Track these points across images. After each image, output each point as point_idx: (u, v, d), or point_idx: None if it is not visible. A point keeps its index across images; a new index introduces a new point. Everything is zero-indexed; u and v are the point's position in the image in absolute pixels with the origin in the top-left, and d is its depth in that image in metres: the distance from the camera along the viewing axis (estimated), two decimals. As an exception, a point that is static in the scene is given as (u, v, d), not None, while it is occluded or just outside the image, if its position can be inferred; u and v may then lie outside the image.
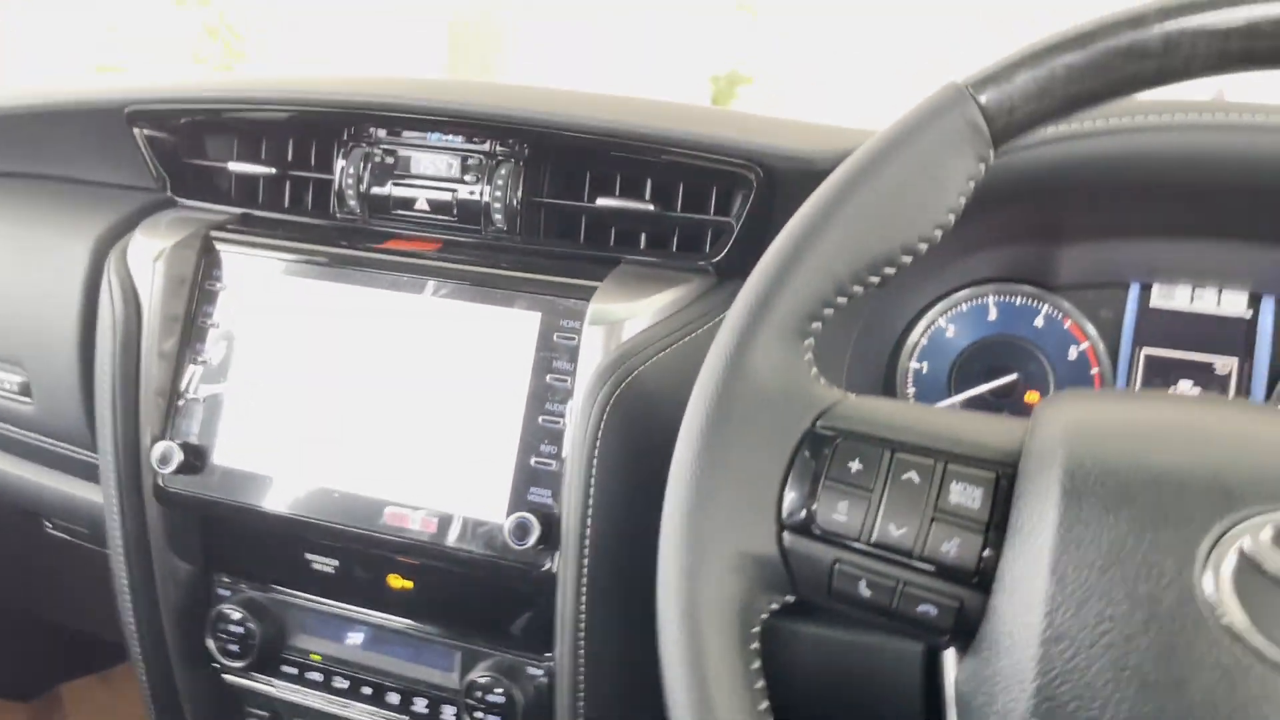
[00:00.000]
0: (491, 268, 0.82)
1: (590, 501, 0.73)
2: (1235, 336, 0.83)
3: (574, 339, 0.77)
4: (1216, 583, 0.42)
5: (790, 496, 0.51)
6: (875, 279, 0.54)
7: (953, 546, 0.49)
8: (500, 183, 0.84)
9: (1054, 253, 0.85)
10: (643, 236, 0.85)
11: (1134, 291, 0.86)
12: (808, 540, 0.51)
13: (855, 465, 0.51)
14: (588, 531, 0.74)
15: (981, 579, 0.48)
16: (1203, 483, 0.44)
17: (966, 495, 0.49)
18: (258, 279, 0.87)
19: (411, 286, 0.83)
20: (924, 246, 0.54)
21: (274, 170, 0.91)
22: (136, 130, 0.92)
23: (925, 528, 0.49)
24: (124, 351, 0.86)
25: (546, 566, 0.77)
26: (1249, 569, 0.42)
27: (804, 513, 0.51)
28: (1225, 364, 0.83)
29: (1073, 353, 0.87)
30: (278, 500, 0.84)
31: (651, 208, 0.81)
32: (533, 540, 0.75)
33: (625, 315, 0.76)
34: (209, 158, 0.95)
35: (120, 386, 0.86)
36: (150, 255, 0.86)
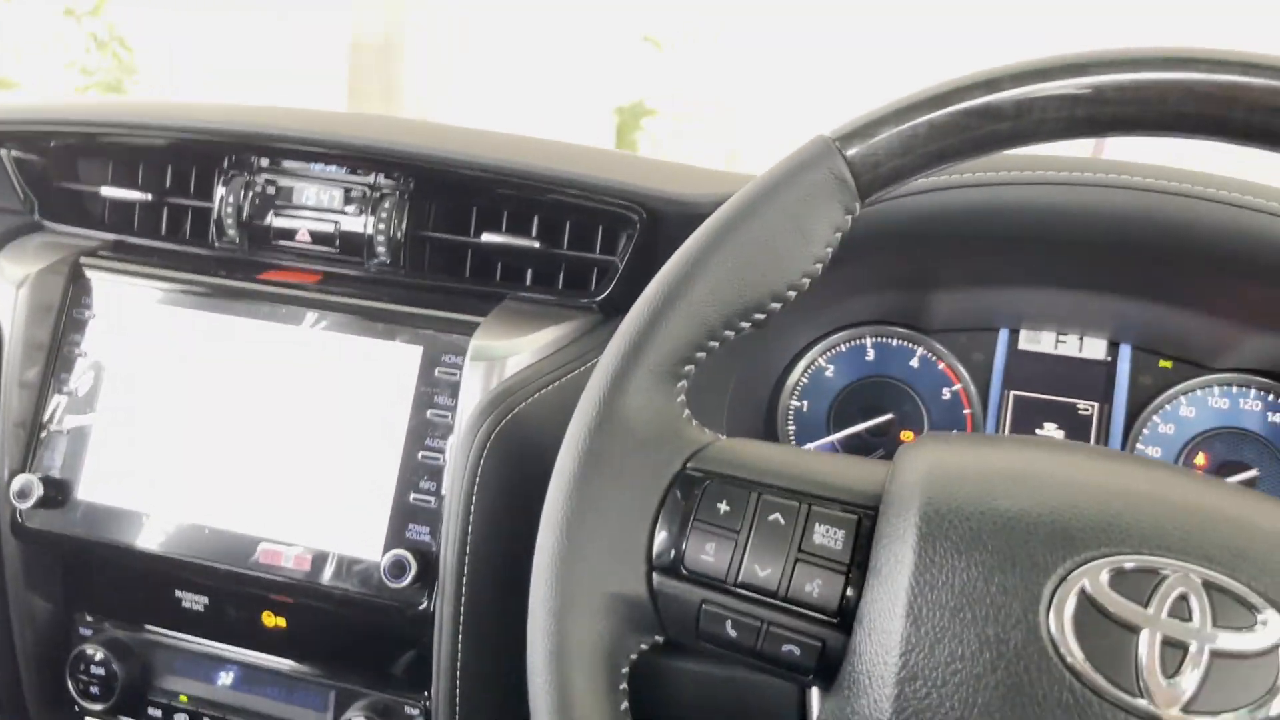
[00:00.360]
0: (373, 301, 0.81)
1: (468, 540, 0.73)
2: (1096, 380, 0.87)
3: (455, 374, 0.77)
4: (1059, 623, 0.44)
5: (660, 537, 0.52)
6: (746, 325, 0.55)
7: (815, 587, 0.50)
8: (384, 215, 0.83)
9: (928, 298, 0.88)
10: (529, 273, 0.85)
11: (1003, 336, 0.89)
12: (676, 581, 0.52)
13: (723, 507, 0.52)
14: (465, 570, 0.73)
15: (843, 619, 0.49)
16: (1047, 528, 0.46)
17: (829, 537, 0.51)
18: (130, 307, 0.84)
19: (290, 318, 0.81)
20: (793, 294, 0.55)
21: (150, 196, 0.89)
22: (3, 151, 0.89)
23: (789, 569, 0.50)
24: (-19, 381, 0.82)
25: (423, 605, 0.76)
26: (1089, 609, 0.44)
27: (673, 553, 0.52)
28: (1087, 406, 0.87)
29: (946, 394, 0.90)
30: (145, 537, 0.81)
31: (537, 245, 0.82)
32: (409, 578, 0.74)
33: (507, 352, 0.76)
34: (81, 181, 0.92)
35: (-24, 418, 0.82)
36: (13, 281, 0.83)
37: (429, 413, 0.77)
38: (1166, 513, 0.46)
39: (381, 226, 0.83)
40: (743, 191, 0.55)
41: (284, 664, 0.84)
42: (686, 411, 0.55)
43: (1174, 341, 0.85)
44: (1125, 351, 0.87)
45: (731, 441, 0.55)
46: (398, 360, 0.79)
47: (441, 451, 0.76)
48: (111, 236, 0.89)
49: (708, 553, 0.51)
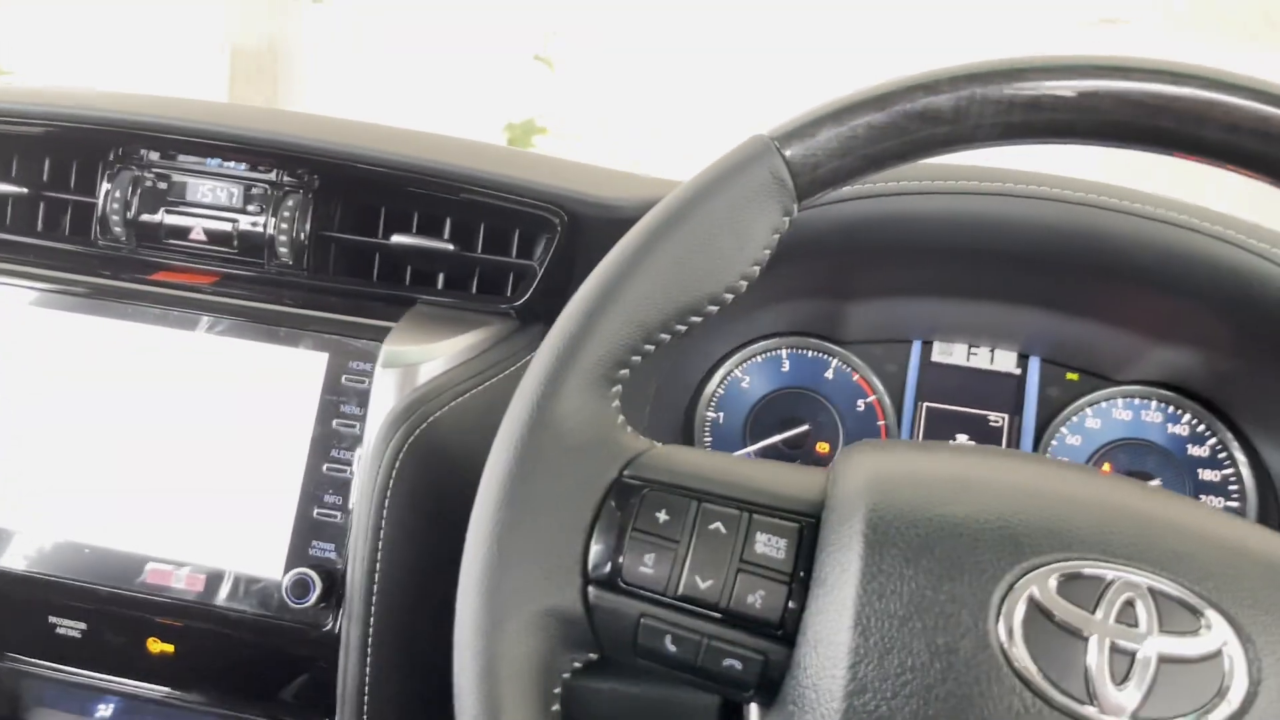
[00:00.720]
0: (275, 304, 0.76)
1: (379, 556, 0.69)
2: (1006, 392, 0.88)
3: (364, 382, 0.73)
4: (1009, 631, 0.43)
5: (596, 549, 0.49)
6: (682, 327, 0.54)
7: (758, 598, 0.48)
8: (287, 215, 0.79)
9: (843, 309, 0.88)
10: (440, 277, 0.82)
11: (916, 347, 0.90)
12: (613, 595, 0.49)
13: (662, 515, 0.50)
14: (375, 589, 0.69)
15: (785, 632, 0.48)
16: (995, 533, 0.45)
17: (771, 546, 0.49)
18: (3, 309, 0.77)
19: (183, 322, 0.76)
20: (729, 297, 0.54)
21: (26, 190, 0.82)
22: None
23: (731, 580, 0.49)
24: None
25: (328, 626, 0.71)
26: (1038, 616, 0.43)
27: (609, 566, 0.49)
28: (998, 418, 0.88)
29: (860, 405, 0.90)
30: (15, 556, 0.75)
31: (451, 247, 0.79)
32: (313, 598, 0.70)
33: (421, 358, 0.72)
34: (-54, 173, 0.84)
35: None
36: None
37: (335, 423, 0.73)
38: (1111, 518, 0.46)
39: (284, 226, 0.79)
40: (679, 190, 0.54)
41: (171, 693, 0.78)
42: (621, 417, 0.53)
43: (1080, 354, 0.86)
44: (1034, 364, 0.88)
45: (667, 449, 0.53)
46: (301, 367, 0.74)
47: (348, 464, 0.72)
48: (-21, 233, 0.83)
49: (646, 564, 0.49)
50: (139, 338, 0.76)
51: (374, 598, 0.69)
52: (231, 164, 0.80)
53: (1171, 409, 0.85)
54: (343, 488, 0.72)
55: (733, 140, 0.55)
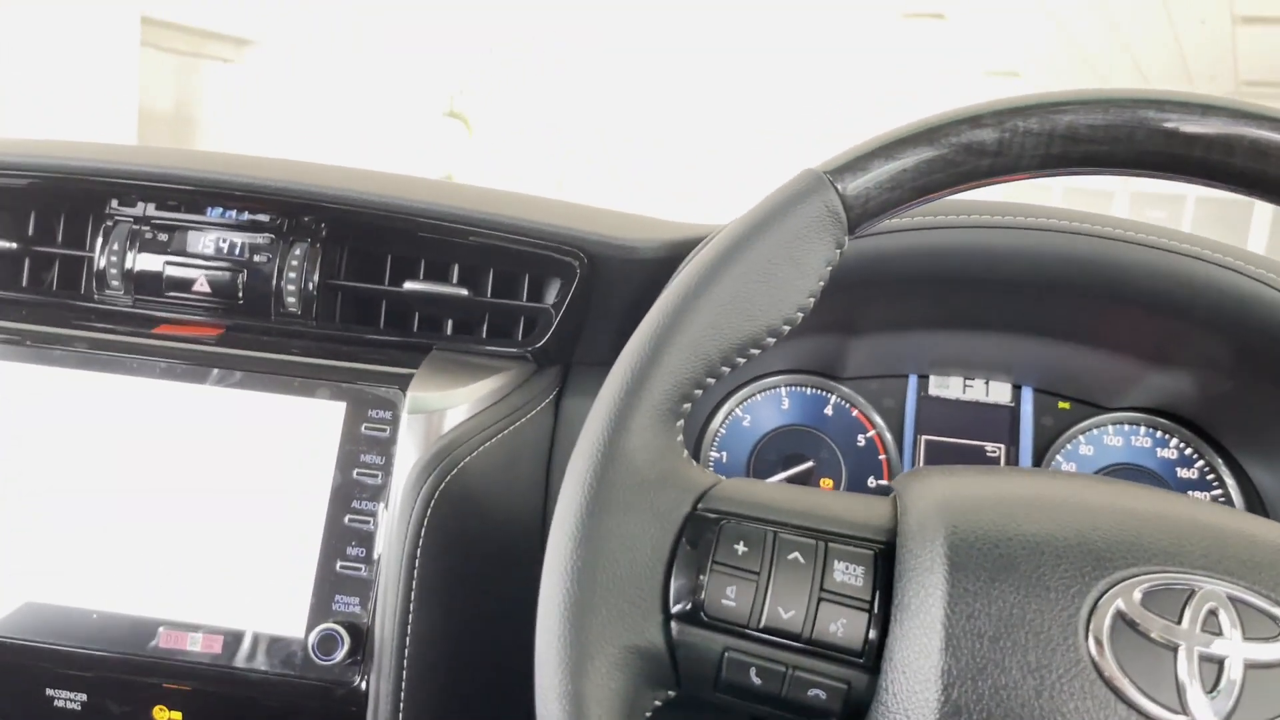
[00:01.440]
0: (288, 355, 0.75)
1: (411, 608, 0.67)
2: (1002, 423, 0.91)
3: (385, 430, 0.72)
4: (1098, 645, 0.44)
5: (677, 584, 0.49)
6: (741, 359, 0.54)
7: (839, 627, 0.49)
8: (295, 264, 0.77)
9: (842, 345, 0.90)
10: (449, 322, 0.81)
11: (912, 382, 0.92)
12: (697, 629, 0.49)
13: (741, 548, 0.50)
14: (407, 642, 0.68)
15: (868, 659, 0.48)
16: (1076, 550, 0.46)
17: (849, 574, 0.49)
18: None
19: (191, 376, 0.74)
20: (787, 328, 0.54)
21: (15, 246, 0.79)
22: None
23: (813, 609, 0.49)
24: None
25: (355, 683, 0.69)
26: (1125, 629, 0.44)
27: (691, 600, 0.49)
28: (995, 448, 0.91)
29: (861, 440, 0.91)
30: (16, 625, 0.71)
31: (465, 293, 0.78)
32: (341, 654, 0.68)
33: (445, 404, 0.71)
34: (-77, 229, 0.81)
35: None
36: None
37: (355, 473, 0.71)
38: (1185, 531, 0.47)
39: (292, 275, 0.77)
40: (736, 224, 0.55)
41: (179, 764, 0.75)
42: (686, 451, 0.53)
43: (1071, 383, 0.89)
44: (1027, 394, 0.91)
45: (735, 481, 0.54)
46: (318, 417, 0.73)
47: (371, 515, 0.71)
48: (-36, 291, 0.79)
49: (729, 597, 0.49)
50: (144, 393, 0.74)
51: (406, 651, 0.68)
52: (234, 213, 0.79)
53: (1160, 434, 0.88)
54: (366, 540, 0.70)
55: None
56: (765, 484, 0.55)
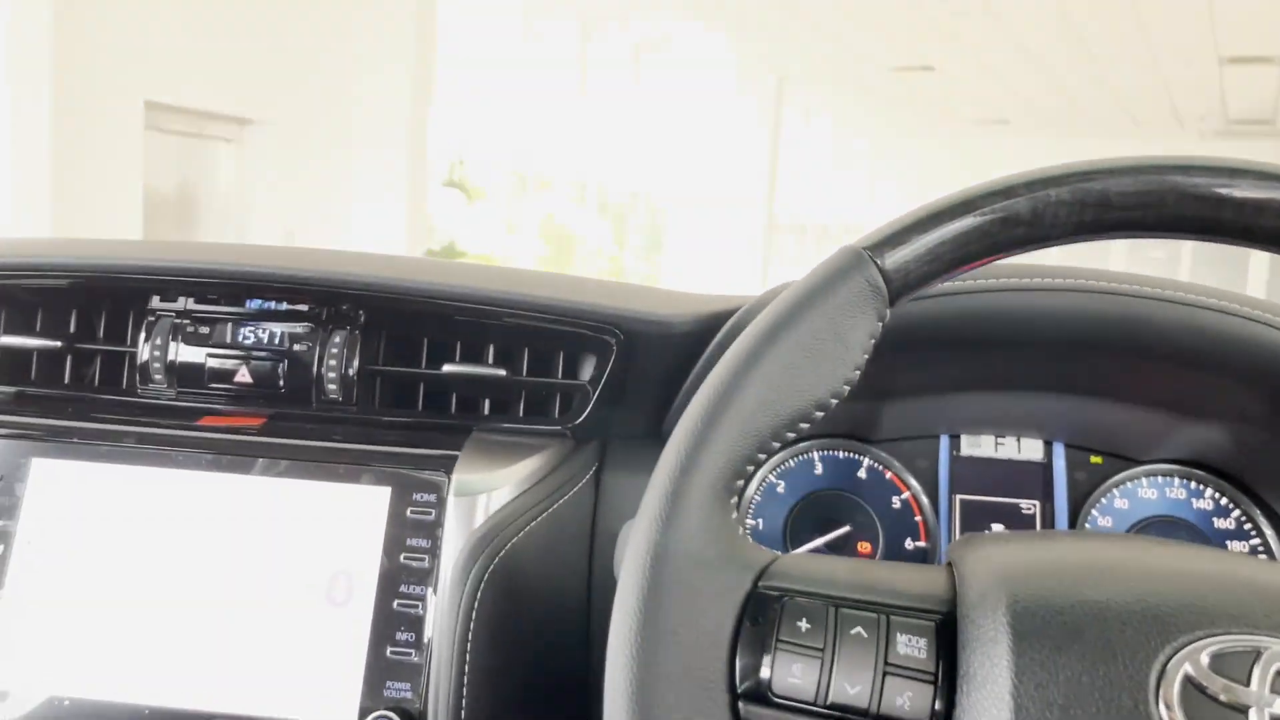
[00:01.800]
0: (331, 441, 0.76)
1: (464, 691, 0.67)
2: (1035, 480, 0.91)
3: (431, 514, 0.72)
4: (1169, 710, 0.44)
5: (742, 663, 0.50)
6: (791, 434, 0.55)
7: (906, 700, 0.49)
8: (335, 351, 0.79)
9: (872, 408, 0.91)
10: (486, 402, 0.82)
11: (944, 442, 0.92)
12: (764, 709, 0.49)
13: (804, 624, 0.50)
14: (461, 725, 0.68)
15: None
16: (1140, 615, 0.47)
17: (912, 646, 0.50)
18: (45, 465, 0.75)
19: (236, 466, 0.75)
20: (834, 401, 0.55)
21: (59, 344, 0.81)
22: (-118, 301, 0.79)
23: (878, 683, 0.49)
24: None
25: (409, 770, 0.69)
26: (1194, 693, 0.45)
27: (757, 679, 0.49)
28: (1029, 505, 0.91)
29: (896, 502, 0.92)
30: (67, 726, 0.71)
31: (503, 373, 0.79)
32: (394, 741, 0.67)
33: (490, 486, 0.72)
34: (-34, 330, 0.83)
35: None
36: (-92, 443, 0.73)
37: (402, 557, 0.72)
38: (1246, 591, 0.48)
39: (333, 363, 0.79)
40: (780, 302, 0.56)
41: None
42: (742, 528, 0.54)
43: (1104, 437, 0.90)
44: (1059, 450, 0.91)
45: (791, 557, 0.54)
46: (363, 503, 0.73)
47: (420, 599, 0.71)
48: (7, 389, 0.81)
49: (795, 674, 0.49)
50: (191, 485, 0.74)
51: (461, 735, 0.67)
52: (272, 304, 0.80)
53: (1194, 485, 0.89)
54: (415, 624, 0.71)
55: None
56: (823, 558, 0.55)
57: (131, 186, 6.46)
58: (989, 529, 0.91)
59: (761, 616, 0.50)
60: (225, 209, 7.49)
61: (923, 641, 0.50)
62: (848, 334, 0.55)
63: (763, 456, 0.54)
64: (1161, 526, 0.89)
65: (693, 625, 0.50)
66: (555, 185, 11.60)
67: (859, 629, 0.50)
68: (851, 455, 0.93)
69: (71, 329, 0.83)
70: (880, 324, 0.56)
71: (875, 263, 0.55)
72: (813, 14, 8.52)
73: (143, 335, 0.80)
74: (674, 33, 9.85)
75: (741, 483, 0.54)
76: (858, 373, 0.56)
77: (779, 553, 0.54)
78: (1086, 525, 0.90)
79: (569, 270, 11.58)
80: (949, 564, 0.57)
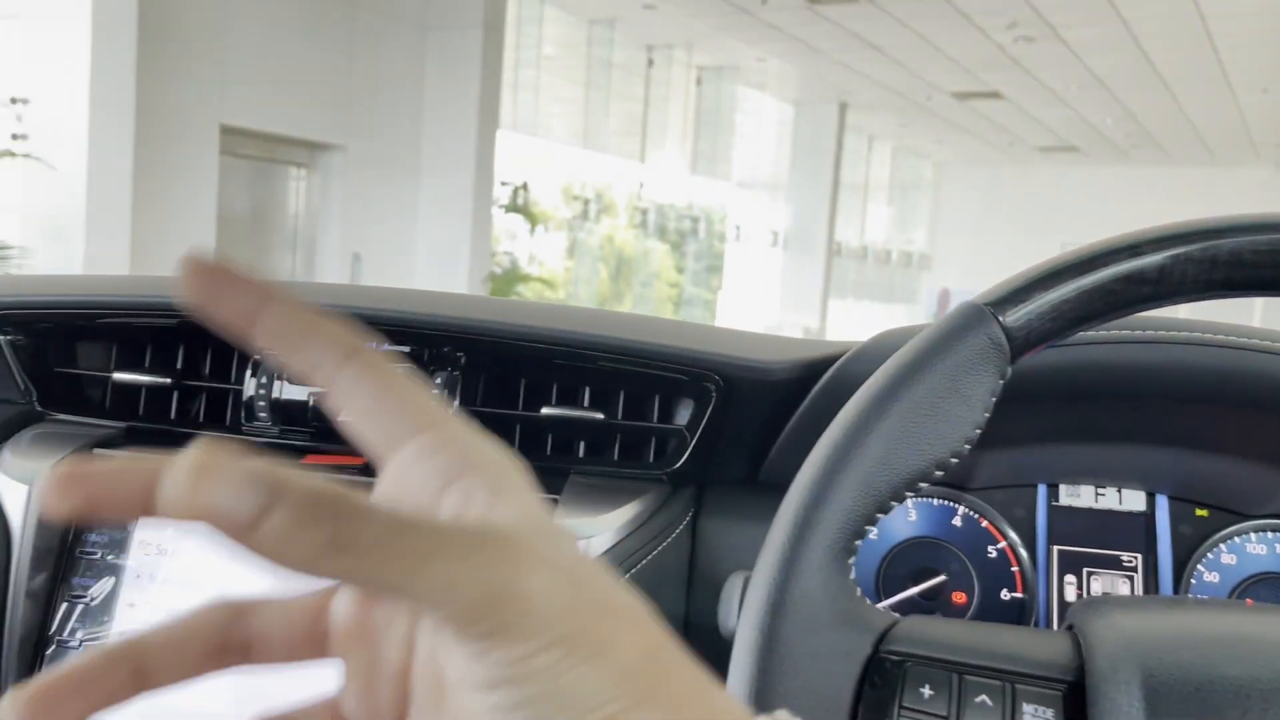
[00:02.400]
0: (426, 483, 0.76)
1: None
2: (1137, 532, 0.89)
3: (530, 558, 0.72)
4: None
5: None
6: (910, 494, 0.54)
7: None
8: (436, 392, 0.79)
9: (970, 456, 0.89)
10: (581, 444, 0.82)
11: (1042, 491, 0.90)
12: None
13: (927, 691, 0.49)
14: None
15: None
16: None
17: (1039, 716, 0.49)
18: (152, 501, 0.77)
19: (339, 506, 0.75)
20: (955, 461, 0.55)
21: (168, 381, 0.83)
22: (2, 337, 0.82)
23: None
24: (-14, 592, 0.73)
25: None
26: None
27: None
28: (1130, 558, 0.89)
29: (992, 551, 0.90)
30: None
31: (600, 416, 0.79)
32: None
33: (590, 531, 0.72)
34: (80, 366, 0.85)
35: (-22, 634, 0.73)
36: (26, 478, 0.75)
37: (502, 601, 0.72)
38: None
39: (434, 404, 0.79)
40: (901, 358, 0.55)
41: None
42: (859, 590, 0.53)
43: (1210, 490, 0.87)
44: (1163, 502, 0.89)
45: (911, 620, 0.53)
46: (463, 546, 0.73)
47: (519, 643, 0.71)
48: (120, 424, 0.82)
49: None
50: (295, 524, 0.75)
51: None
52: (375, 344, 0.81)
53: (1306, 540, 0.86)
54: (514, 668, 0.71)
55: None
56: (943, 621, 0.54)
57: (206, 208, 6.64)
58: (1087, 581, 0.88)
59: (883, 681, 0.50)
60: (294, 231, 7.66)
61: (1049, 712, 0.49)
62: (969, 391, 0.54)
63: (881, 516, 0.54)
64: (1272, 584, 0.86)
65: (812, 690, 0.49)
66: (616, 210, 11.67)
67: (984, 697, 0.49)
68: (946, 503, 0.91)
69: (178, 366, 0.85)
70: (1001, 381, 0.55)
71: (997, 319, 0.54)
72: (876, 40, 8.51)
73: (248, 373, 0.82)
74: (738, 59, 9.88)
75: (859, 542, 0.53)
76: (979, 431, 0.55)
77: (898, 615, 0.54)
78: (1193, 581, 0.87)
79: (628, 295, 11.61)
80: (1070, 627, 0.55)
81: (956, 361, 0.54)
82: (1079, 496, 0.90)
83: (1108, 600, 0.54)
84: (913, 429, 0.53)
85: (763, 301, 12.85)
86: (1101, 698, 0.47)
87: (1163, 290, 0.54)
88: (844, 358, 0.76)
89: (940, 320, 0.56)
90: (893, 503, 0.54)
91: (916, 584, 0.90)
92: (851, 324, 14.25)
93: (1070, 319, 0.55)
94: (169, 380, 0.83)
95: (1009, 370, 0.55)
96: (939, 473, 0.54)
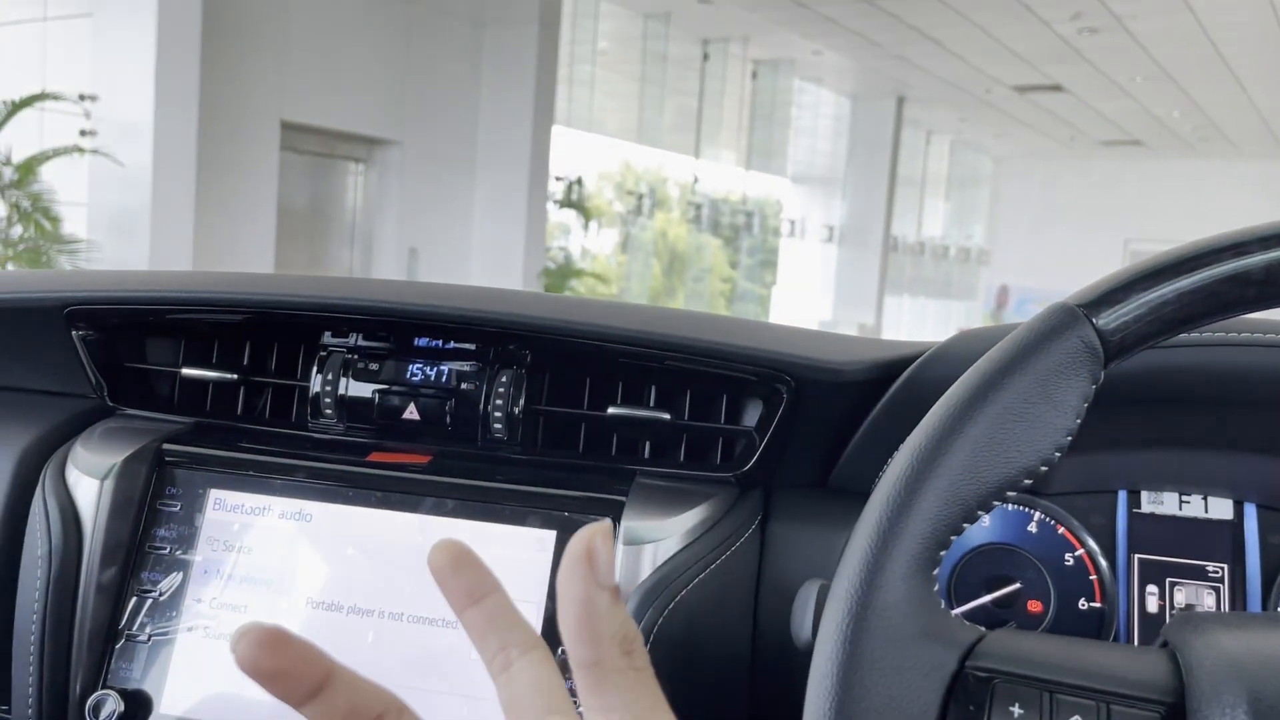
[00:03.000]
0: (490, 481, 0.75)
1: (633, 745, 0.66)
2: (1224, 541, 0.85)
3: (596, 560, 0.71)
4: None
5: None
6: (997, 503, 0.52)
7: None
8: (501, 390, 0.79)
9: (1045, 461, 0.86)
10: (646, 445, 0.81)
11: (1122, 498, 0.87)
12: None
13: (1017, 710, 0.47)
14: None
15: None
16: None
17: None
18: (220, 497, 0.77)
19: (405, 505, 0.75)
20: (1044, 469, 0.52)
21: (235, 377, 0.83)
22: (74, 333, 0.82)
23: None
24: (57, 585, 0.73)
25: (573, 823, 0.68)
26: None
27: None
28: (1216, 568, 0.85)
29: (1069, 559, 0.87)
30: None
31: (667, 417, 0.78)
32: (559, 793, 0.66)
33: (658, 535, 0.71)
34: (148, 361, 0.85)
35: (50, 627, 0.73)
36: (97, 472, 0.76)
37: (567, 603, 0.71)
38: None
39: (499, 402, 0.78)
40: (989, 361, 0.53)
41: None
42: (944, 602, 0.51)
43: None
44: (1251, 511, 0.85)
45: (998, 634, 0.51)
46: (529, 545, 0.73)
47: (585, 646, 0.70)
48: (188, 419, 0.83)
49: None
50: (361, 522, 0.75)
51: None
52: (440, 342, 0.81)
53: (1404, 553, 0.82)
54: (580, 672, 0.69)
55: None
56: (1031, 636, 0.52)
57: (266, 203, 6.73)
58: (1171, 590, 0.85)
59: (969, 699, 0.48)
60: (352, 226, 7.75)
61: None
62: (1060, 397, 0.52)
63: (966, 526, 0.51)
64: (1366, 597, 0.82)
65: (896, 706, 0.48)
66: (670, 205, 11.65)
67: (1077, 717, 0.47)
68: (1021, 508, 0.88)
69: (245, 361, 0.85)
70: (1094, 386, 0.53)
71: (1091, 321, 0.52)
72: (936, 33, 8.38)
73: (314, 369, 0.81)
74: (794, 52, 9.80)
75: (944, 553, 0.51)
76: (1070, 439, 0.52)
77: (981, 628, 0.51)
78: (1282, 592, 0.83)
79: (680, 290, 11.59)
80: (1164, 644, 0.53)
81: (1048, 365, 0.52)
82: (1162, 504, 0.87)
83: (1207, 617, 0.51)
84: (1001, 435, 0.51)
85: (817, 297, 12.75)
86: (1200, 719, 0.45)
87: (1269, 291, 0.51)
88: (921, 359, 0.74)
89: (1030, 322, 0.54)
90: (980, 512, 0.51)
91: (990, 592, 0.87)
92: (908, 320, 14.08)
93: (1169, 321, 0.52)
94: (235, 376, 0.83)
95: (1102, 375, 0.53)
96: (1027, 481, 0.52)
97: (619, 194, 11.01)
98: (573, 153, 9.30)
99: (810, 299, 12.78)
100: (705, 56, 10.06)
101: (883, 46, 9.02)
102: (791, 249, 13.04)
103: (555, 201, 8.72)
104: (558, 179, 8.66)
